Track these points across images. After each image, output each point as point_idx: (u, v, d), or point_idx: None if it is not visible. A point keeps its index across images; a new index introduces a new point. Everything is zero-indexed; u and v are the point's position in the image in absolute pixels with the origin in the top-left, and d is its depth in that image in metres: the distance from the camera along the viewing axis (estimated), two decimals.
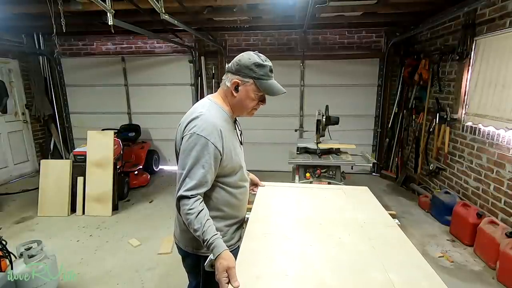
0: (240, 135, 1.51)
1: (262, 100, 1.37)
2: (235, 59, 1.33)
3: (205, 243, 1.19)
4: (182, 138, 1.27)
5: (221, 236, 1.21)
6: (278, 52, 5.53)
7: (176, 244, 1.50)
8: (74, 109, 6.24)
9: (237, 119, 1.50)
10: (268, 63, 1.31)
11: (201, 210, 1.21)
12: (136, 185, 4.92)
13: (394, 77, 5.32)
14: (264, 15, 4.53)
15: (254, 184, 1.91)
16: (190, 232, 1.33)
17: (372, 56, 5.36)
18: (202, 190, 1.24)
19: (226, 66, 1.36)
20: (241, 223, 1.54)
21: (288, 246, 1.35)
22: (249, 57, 1.29)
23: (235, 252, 1.43)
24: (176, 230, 1.49)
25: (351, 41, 5.39)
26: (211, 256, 1.23)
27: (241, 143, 1.49)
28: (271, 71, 1.32)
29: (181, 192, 1.21)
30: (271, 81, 1.31)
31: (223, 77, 1.37)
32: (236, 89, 1.32)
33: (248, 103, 1.34)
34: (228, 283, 1.10)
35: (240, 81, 1.30)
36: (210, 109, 1.31)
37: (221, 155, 1.28)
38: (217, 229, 1.36)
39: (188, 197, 1.20)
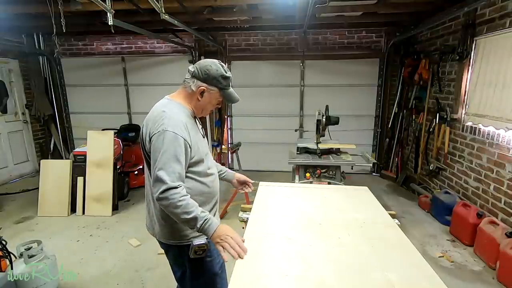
0: (202, 128, 1.60)
1: (219, 104, 1.55)
2: (202, 66, 1.43)
3: (201, 223, 1.29)
4: (151, 139, 1.34)
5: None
6: (278, 52, 5.53)
7: (157, 240, 1.55)
8: (74, 109, 6.24)
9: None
10: (230, 74, 1.48)
11: (190, 197, 1.32)
12: (136, 185, 4.91)
13: (394, 77, 5.32)
14: (264, 15, 4.53)
15: (244, 183, 1.87)
16: (170, 225, 1.45)
17: (372, 56, 5.36)
18: (182, 181, 1.33)
19: (190, 68, 1.45)
20: (215, 211, 1.60)
21: (288, 246, 1.35)
22: (217, 68, 1.43)
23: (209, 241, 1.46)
24: (155, 226, 1.53)
25: (351, 41, 5.39)
26: (193, 243, 1.38)
27: (203, 136, 1.58)
28: (231, 81, 1.50)
29: (168, 184, 1.27)
30: (230, 90, 1.50)
31: (186, 79, 1.46)
32: (202, 95, 1.45)
33: (209, 107, 1.52)
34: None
35: (206, 89, 1.44)
36: (171, 107, 1.42)
37: (190, 147, 1.37)
38: None
39: (176, 187, 1.28)
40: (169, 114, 1.36)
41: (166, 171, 1.28)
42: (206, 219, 1.30)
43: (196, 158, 1.43)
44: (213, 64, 1.43)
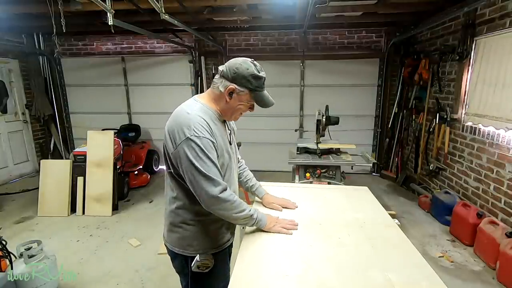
0: (230, 134, 1.49)
1: (251, 107, 1.42)
2: (231, 65, 1.32)
3: (254, 218, 1.40)
4: (177, 146, 1.26)
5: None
6: (278, 52, 5.53)
7: (165, 245, 1.50)
8: (74, 109, 6.23)
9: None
10: (263, 74, 1.35)
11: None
12: (136, 185, 4.91)
13: (394, 77, 5.32)
14: (264, 15, 4.53)
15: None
16: (178, 232, 1.40)
17: (372, 56, 5.36)
18: (222, 178, 1.31)
19: (219, 68, 1.36)
20: (230, 223, 1.48)
21: (288, 246, 1.35)
22: (247, 67, 1.30)
23: (223, 252, 1.45)
24: (164, 230, 1.49)
25: (351, 41, 5.39)
26: (197, 258, 1.34)
27: (230, 143, 1.47)
28: (264, 82, 1.37)
29: (220, 186, 1.27)
30: (264, 92, 1.38)
31: (215, 79, 1.37)
32: (230, 96, 1.34)
33: (239, 110, 1.39)
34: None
35: (235, 89, 1.32)
36: (197, 110, 1.32)
37: (216, 148, 1.31)
38: (204, 232, 1.40)
39: (226, 189, 1.29)
40: (192, 117, 1.27)
41: (211, 176, 1.24)
42: (255, 214, 1.40)
43: (220, 162, 1.34)
44: (243, 63, 1.31)
